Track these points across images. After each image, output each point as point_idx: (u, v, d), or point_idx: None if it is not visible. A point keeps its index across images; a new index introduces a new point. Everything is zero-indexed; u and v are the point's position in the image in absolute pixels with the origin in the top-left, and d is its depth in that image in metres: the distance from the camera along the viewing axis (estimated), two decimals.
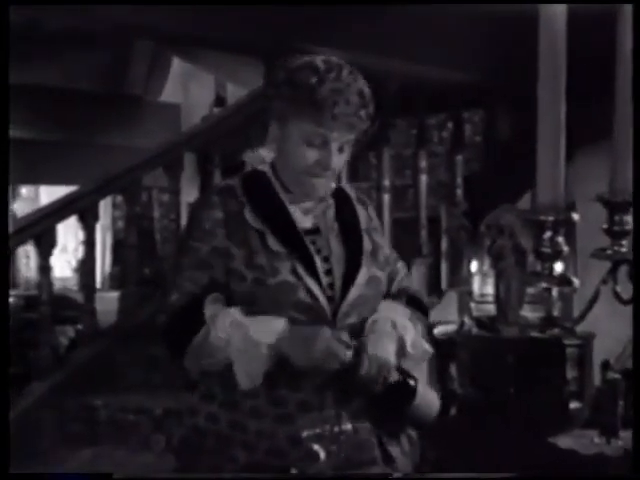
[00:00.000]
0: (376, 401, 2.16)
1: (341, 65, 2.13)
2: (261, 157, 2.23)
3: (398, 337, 2.17)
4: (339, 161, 2.15)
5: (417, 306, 2.30)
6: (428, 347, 2.26)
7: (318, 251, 2.16)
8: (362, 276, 2.18)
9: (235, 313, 2.09)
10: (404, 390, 2.19)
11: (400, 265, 2.35)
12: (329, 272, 2.16)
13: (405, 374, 2.19)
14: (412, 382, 2.19)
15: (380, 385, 2.13)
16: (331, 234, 2.20)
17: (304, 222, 2.18)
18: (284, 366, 2.09)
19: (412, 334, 2.21)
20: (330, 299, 2.14)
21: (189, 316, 2.10)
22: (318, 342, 2.06)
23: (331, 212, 2.23)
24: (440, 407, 2.28)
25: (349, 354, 2.08)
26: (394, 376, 2.15)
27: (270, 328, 2.08)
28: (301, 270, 2.11)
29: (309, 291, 2.10)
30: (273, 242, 2.12)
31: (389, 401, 2.17)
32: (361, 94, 2.12)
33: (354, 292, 2.16)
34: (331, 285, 2.15)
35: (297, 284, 2.10)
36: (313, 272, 2.12)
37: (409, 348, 2.19)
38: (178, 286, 2.13)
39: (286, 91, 2.11)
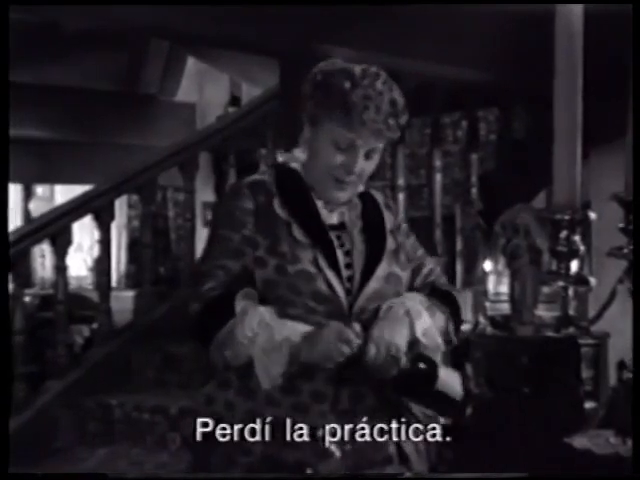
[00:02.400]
0: (396, 387, 2.15)
1: (377, 74, 2.16)
2: (295, 157, 2.26)
3: (410, 322, 2.18)
4: (365, 167, 2.19)
5: (445, 298, 2.30)
6: (440, 340, 2.25)
7: (341, 245, 2.20)
8: (381, 271, 2.20)
9: (265, 313, 2.11)
10: (424, 374, 2.18)
11: (428, 260, 2.37)
12: (349, 266, 2.19)
13: (423, 358, 2.18)
14: (431, 365, 2.18)
15: (393, 369, 2.12)
16: (355, 230, 2.24)
17: (330, 218, 2.23)
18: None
19: (425, 322, 2.21)
20: (348, 292, 2.16)
21: (222, 307, 2.12)
22: (327, 332, 2.07)
23: (357, 211, 2.26)
24: (462, 392, 2.25)
25: (355, 344, 2.08)
26: (407, 358, 2.14)
27: (295, 332, 2.09)
28: (322, 261, 2.14)
29: (327, 282, 2.13)
30: (298, 232, 2.16)
31: (409, 386, 2.16)
32: (393, 104, 2.15)
33: (372, 286, 2.18)
34: (350, 278, 2.18)
35: (316, 274, 2.13)
36: (334, 264, 2.15)
37: (420, 336, 2.19)
38: (210, 274, 2.16)
39: (320, 93, 2.16)
